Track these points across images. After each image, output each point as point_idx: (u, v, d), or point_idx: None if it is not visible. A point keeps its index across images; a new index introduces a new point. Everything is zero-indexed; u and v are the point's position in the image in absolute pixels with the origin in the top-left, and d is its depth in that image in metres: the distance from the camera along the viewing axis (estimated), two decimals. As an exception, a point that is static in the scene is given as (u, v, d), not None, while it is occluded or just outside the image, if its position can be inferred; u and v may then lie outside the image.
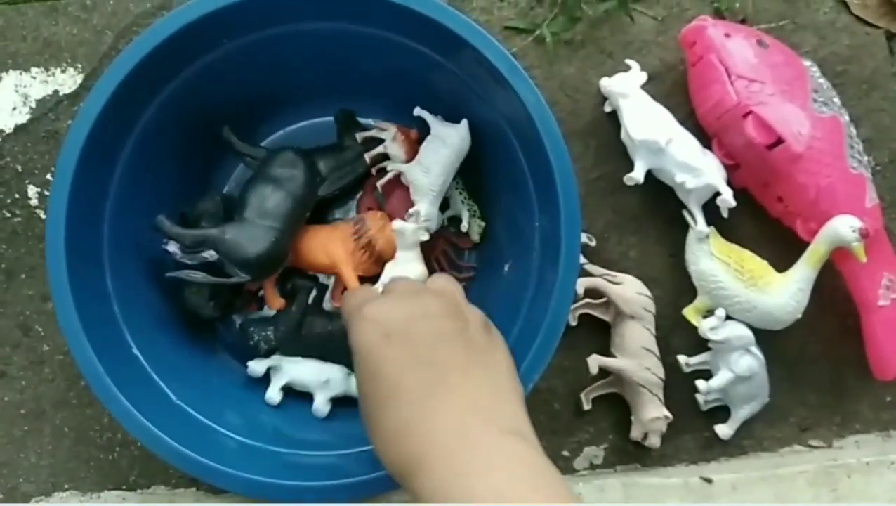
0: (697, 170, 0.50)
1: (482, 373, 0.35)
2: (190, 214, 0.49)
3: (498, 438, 0.33)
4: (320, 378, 0.48)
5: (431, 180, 0.48)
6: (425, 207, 0.48)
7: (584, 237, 0.50)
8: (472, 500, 0.30)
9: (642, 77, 0.51)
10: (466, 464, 0.32)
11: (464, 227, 0.51)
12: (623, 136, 0.51)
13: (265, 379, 0.49)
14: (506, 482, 0.31)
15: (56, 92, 0.52)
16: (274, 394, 0.48)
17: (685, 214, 0.51)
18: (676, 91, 0.54)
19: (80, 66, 0.53)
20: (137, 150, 0.45)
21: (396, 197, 0.52)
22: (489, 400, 0.35)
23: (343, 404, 0.49)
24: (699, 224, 0.50)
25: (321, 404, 0.48)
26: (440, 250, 0.52)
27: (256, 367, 0.48)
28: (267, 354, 0.48)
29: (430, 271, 0.50)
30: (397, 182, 0.51)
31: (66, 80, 0.52)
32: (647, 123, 0.50)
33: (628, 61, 0.51)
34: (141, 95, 0.44)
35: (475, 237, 0.51)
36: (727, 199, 0.49)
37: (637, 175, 0.49)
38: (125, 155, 0.45)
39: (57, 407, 0.52)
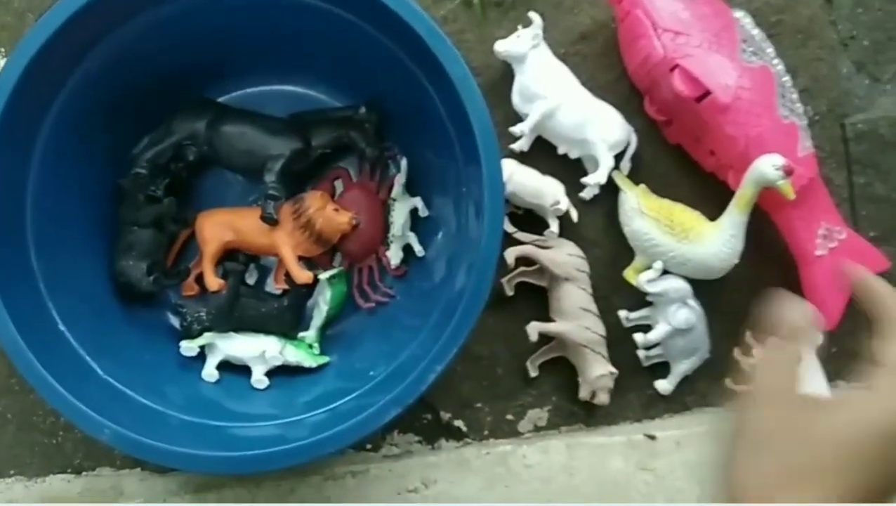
0: (581, 141, 0.50)
1: None
2: (126, 186, 0.49)
3: None
4: (255, 352, 0.48)
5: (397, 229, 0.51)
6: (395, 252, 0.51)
7: (564, 203, 0.50)
8: None
9: (535, 32, 0.50)
10: None
11: (393, 257, 0.51)
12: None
13: (202, 354, 0.49)
14: None
15: (-20, 76, 0.52)
16: (211, 371, 0.48)
17: (613, 174, 0.51)
18: (609, 49, 0.53)
19: (2, 49, 0.52)
20: (58, 126, 0.45)
21: (352, 195, 0.52)
22: None
23: (280, 373, 0.49)
24: (599, 174, 0.50)
25: (259, 375, 0.48)
26: (368, 264, 0.52)
27: (189, 347, 0.48)
28: (199, 331, 0.48)
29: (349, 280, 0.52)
30: (355, 183, 0.52)
31: (-11, 64, 0.52)
32: (539, 87, 0.50)
33: (530, 14, 0.51)
34: (56, 71, 0.44)
35: (395, 262, 0.52)
36: (560, 208, 0.50)
37: (524, 127, 0.50)
38: (45, 131, 0.45)
39: (-1, 394, 0.52)
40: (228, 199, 0.52)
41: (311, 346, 0.50)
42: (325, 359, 0.50)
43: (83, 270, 0.48)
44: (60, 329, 0.44)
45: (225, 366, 0.49)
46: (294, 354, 0.49)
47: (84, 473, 0.52)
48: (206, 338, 0.48)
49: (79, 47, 0.44)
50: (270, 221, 0.48)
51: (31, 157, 0.45)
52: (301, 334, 0.51)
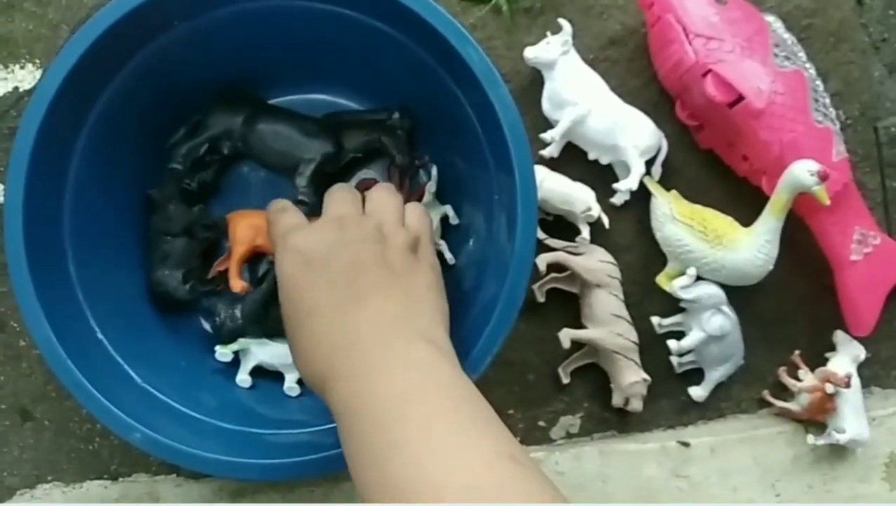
0: (612, 147, 0.50)
1: (398, 292, 0.37)
2: (156, 196, 0.49)
3: (408, 343, 0.35)
4: (289, 359, 0.48)
5: None
6: None
7: (595, 209, 0.50)
8: (377, 402, 0.32)
9: (564, 39, 0.50)
10: (375, 368, 0.34)
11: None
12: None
13: (236, 361, 0.49)
14: (412, 385, 0.33)
15: (16, 89, 0.53)
16: (244, 376, 0.48)
17: (645, 179, 0.51)
18: (639, 55, 0.53)
19: (38, 61, 0.53)
20: (94, 137, 0.45)
21: None
22: (403, 314, 0.36)
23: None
24: (630, 180, 0.50)
25: (292, 383, 0.49)
26: None
27: (223, 352, 0.48)
28: (231, 335, 0.48)
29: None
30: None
31: (26, 77, 0.52)
32: (569, 93, 0.50)
33: (560, 20, 0.51)
34: (92, 83, 0.44)
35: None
36: (592, 215, 0.50)
37: (554, 133, 0.50)
38: (81, 143, 0.45)
39: (36, 401, 0.52)
40: (255, 200, 0.52)
41: None
42: None
43: (119, 278, 0.48)
44: (98, 337, 0.45)
45: (259, 373, 0.49)
46: None
47: (120, 478, 0.52)
48: (241, 344, 0.49)
49: (112, 60, 0.45)
50: None
51: (68, 167, 0.45)
52: None
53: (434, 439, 0.31)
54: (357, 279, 0.37)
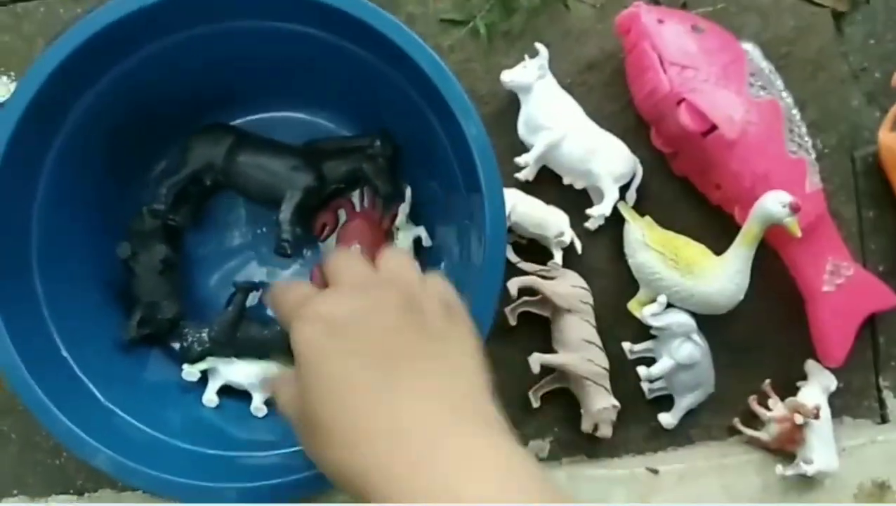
0: (586, 172, 0.50)
1: (444, 362, 0.32)
2: (136, 231, 0.49)
3: (472, 432, 0.30)
4: (256, 378, 0.48)
5: None
6: None
7: (568, 234, 0.50)
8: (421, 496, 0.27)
9: (541, 63, 0.50)
10: (420, 460, 0.29)
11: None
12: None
13: (204, 381, 0.49)
14: (492, 487, 0.28)
15: (-9, 100, 0.52)
16: (211, 396, 0.48)
17: (619, 205, 0.51)
18: (615, 80, 0.53)
19: (12, 74, 0.52)
20: (64, 154, 0.45)
21: (354, 225, 0.51)
22: (448, 387, 0.32)
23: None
24: (604, 206, 0.50)
25: (259, 403, 0.48)
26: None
27: (190, 371, 0.48)
28: (200, 356, 0.48)
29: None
30: (359, 213, 0.52)
31: (0, 90, 0.52)
32: (544, 117, 0.50)
33: (537, 44, 0.51)
34: (62, 100, 0.44)
35: None
36: (564, 240, 0.51)
37: (528, 157, 0.50)
38: (52, 155, 0.45)
39: (2, 414, 0.52)
40: (237, 226, 0.52)
41: None
42: None
43: (87, 296, 0.48)
44: (63, 355, 0.44)
45: (228, 394, 0.49)
46: None
47: (86, 494, 0.52)
48: (209, 362, 0.48)
49: (88, 74, 0.44)
50: (284, 255, 0.49)
51: (37, 181, 0.45)
52: None
53: None
54: (392, 348, 0.32)
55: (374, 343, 0.32)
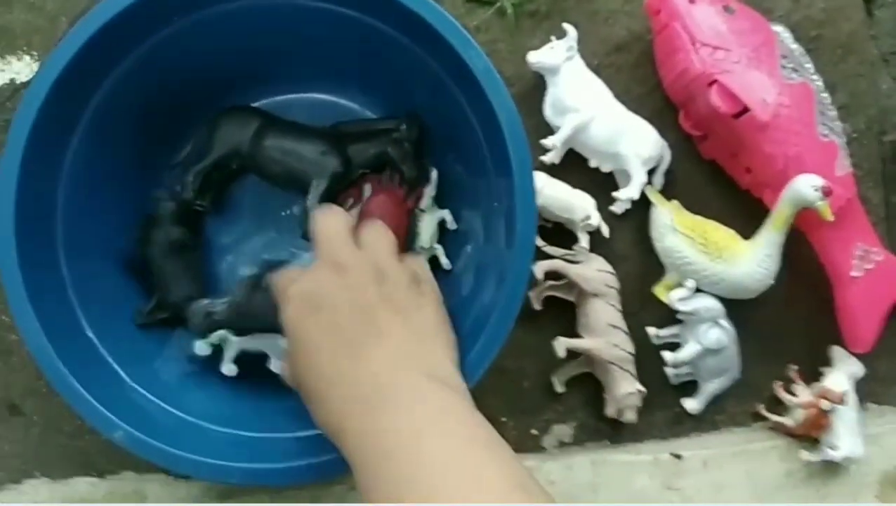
0: (614, 155, 0.50)
1: (403, 329, 0.37)
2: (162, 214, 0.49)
3: (418, 383, 0.35)
4: (270, 340, 0.47)
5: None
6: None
7: (594, 218, 0.50)
8: (389, 440, 0.33)
9: (569, 44, 0.50)
10: (388, 409, 0.34)
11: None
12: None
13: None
14: (425, 423, 0.33)
15: (13, 80, 0.52)
16: (230, 366, 0.48)
17: (646, 189, 0.50)
18: (644, 61, 0.52)
19: (35, 53, 0.52)
20: (89, 134, 0.45)
21: (378, 199, 0.50)
22: (412, 355, 0.36)
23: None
24: (631, 189, 0.50)
25: (276, 366, 0.48)
26: None
27: (202, 346, 0.48)
28: (209, 329, 0.47)
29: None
30: (383, 189, 0.51)
31: (23, 69, 0.52)
32: (572, 99, 0.50)
33: (565, 25, 0.50)
34: (88, 79, 0.43)
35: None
36: (591, 224, 0.50)
37: (555, 140, 0.50)
38: (76, 140, 0.44)
39: (25, 396, 0.52)
40: (260, 208, 0.52)
41: None
42: None
43: (111, 278, 0.47)
44: (88, 336, 0.44)
45: (247, 376, 0.48)
46: None
47: (108, 476, 0.52)
48: (219, 336, 0.48)
49: (110, 55, 0.44)
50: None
51: (62, 162, 0.45)
52: None
53: (448, 474, 0.31)
54: (363, 321, 0.37)
55: (344, 318, 0.37)
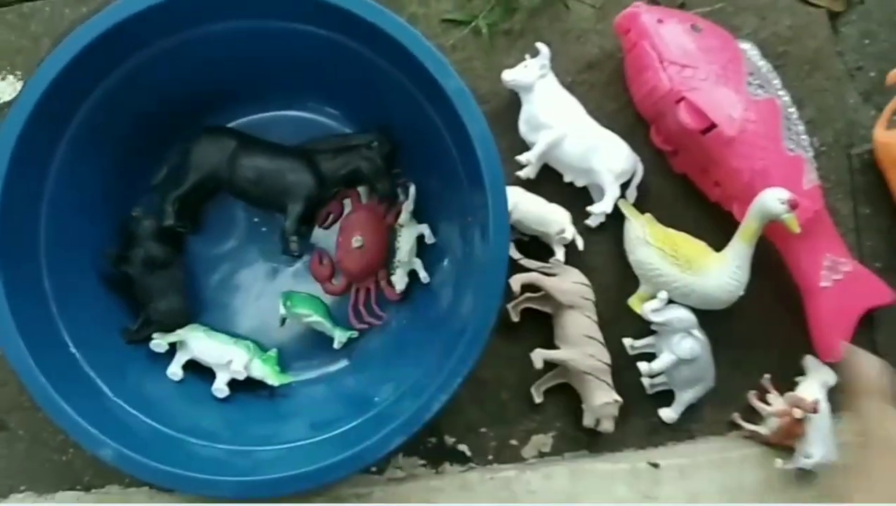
0: (587, 170, 0.51)
1: None
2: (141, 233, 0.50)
3: None
4: (223, 359, 0.49)
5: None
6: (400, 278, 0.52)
7: (569, 231, 0.51)
8: None
9: (542, 62, 0.51)
10: None
11: (398, 283, 0.52)
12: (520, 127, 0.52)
13: (209, 378, 0.49)
14: None
15: (-3, 100, 0.53)
16: (176, 369, 0.49)
17: (619, 202, 0.52)
18: (615, 79, 0.54)
19: (18, 73, 0.53)
20: (71, 152, 0.46)
21: (358, 216, 0.52)
22: None
23: (286, 395, 0.50)
24: (604, 203, 0.51)
25: (221, 385, 0.49)
26: (367, 286, 0.52)
27: (158, 343, 0.49)
28: (157, 324, 0.49)
29: (343, 303, 0.52)
30: (363, 205, 0.52)
31: (6, 88, 0.53)
32: (546, 116, 0.51)
33: (538, 44, 0.51)
34: (70, 98, 0.45)
35: (399, 287, 0.52)
36: (566, 237, 0.51)
37: (530, 156, 0.51)
38: (58, 158, 0.46)
39: (10, 410, 0.52)
40: (238, 226, 0.53)
41: (277, 363, 0.51)
42: (287, 379, 0.50)
43: (93, 292, 0.48)
44: (71, 351, 0.45)
45: (237, 388, 0.49)
46: (259, 370, 0.50)
47: (93, 490, 0.52)
48: (178, 335, 0.49)
49: (94, 74, 0.45)
50: (292, 256, 0.50)
51: (45, 178, 0.46)
52: (271, 352, 0.51)
53: None
54: None
55: None
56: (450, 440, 0.53)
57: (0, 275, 0.42)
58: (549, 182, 0.53)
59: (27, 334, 0.42)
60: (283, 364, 0.51)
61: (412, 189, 0.51)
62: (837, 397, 0.54)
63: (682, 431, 0.54)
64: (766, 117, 0.49)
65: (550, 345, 0.52)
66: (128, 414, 0.45)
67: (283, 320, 0.50)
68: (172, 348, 0.49)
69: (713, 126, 0.48)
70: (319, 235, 0.53)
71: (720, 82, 0.49)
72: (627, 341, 0.52)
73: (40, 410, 0.51)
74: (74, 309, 0.46)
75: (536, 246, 0.53)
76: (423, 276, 0.51)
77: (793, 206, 0.47)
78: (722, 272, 0.49)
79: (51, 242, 0.46)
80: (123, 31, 0.43)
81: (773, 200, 0.47)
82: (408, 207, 0.51)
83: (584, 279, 0.51)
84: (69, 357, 0.45)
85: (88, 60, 0.43)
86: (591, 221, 0.53)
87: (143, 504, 0.52)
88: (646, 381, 0.52)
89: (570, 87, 0.53)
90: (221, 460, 0.45)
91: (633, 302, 0.52)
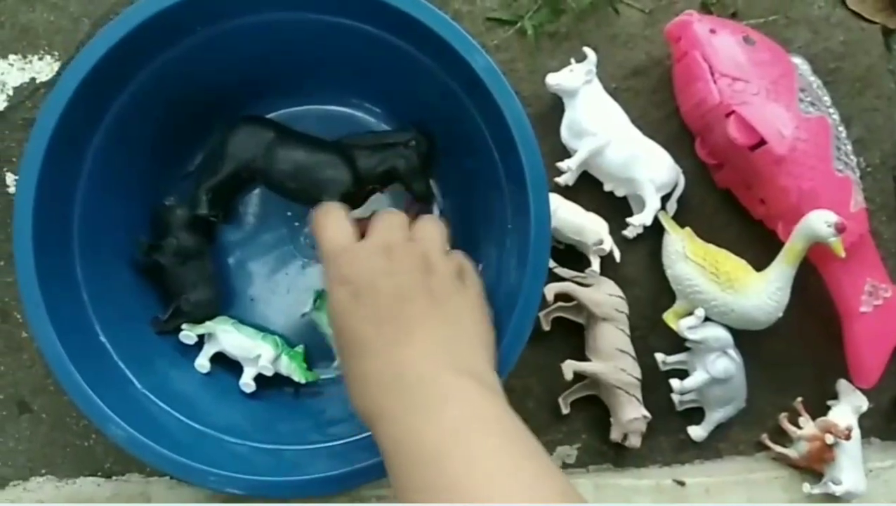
0: (628, 180, 0.50)
1: (442, 323, 0.37)
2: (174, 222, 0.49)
3: (452, 378, 0.35)
4: (251, 353, 0.48)
5: None
6: None
7: (607, 243, 0.50)
8: (423, 441, 0.33)
9: (588, 68, 0.50)
10: (420, 407, 0.34)
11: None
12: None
13: (236, 373, 0.49)
14: (458, 423, 0.33)
15: (33, 80, 0.52)
16: (203, 361, 0.48)
17: (659, 215, 0.51)
18: (662, 87, 0.53)
19: (56, 53, 0.52)
20: (109, 137, 0.45)
21: None
22: (447, 347, 0.37)
23: (309, 393, 0.49)
24: (644, 215, 0.50)
25: (248, 379, 0.48)
26: None
27: (187, 334, 0.48)
28: (187, 315, 0.48)
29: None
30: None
31: (44, 68, 0.52)
32: (589, 123, 0.50)
33: (585, 49, 0.50)
34: (112, 83, 0.44)
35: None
36: (603, 248, 0.50)
37: (570, 163, 0.50)
38: (96, 142, 0.45)
39: (35, 393, 0.52)
40: (272, 219, 0.52)
41: (304, 360, 0.50)
42: (314, 376, 0.50)
43: (126, 281, 0.48)
44: (101, 340, 0.44)
45: (262, 384, 0.49)
46: (286, 366, 0.49)
47: (114, 477, 0.52)
48: (207, 327, 0.48)
49: (135, 60, 0.44)
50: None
51: (82, 164, 0.45)
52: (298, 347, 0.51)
53: (481, 478, 0.31)
54: (403, 311, 0.37)
55: (387, 308, 0.37)
56: (473, 446, 0.53)
57: (32, 254, 0.41)
58: (589, 190, 0.52)
59: (57, 317, 0.42)
60: (310, 361, 0.51)
61: (435, 189, 0.50)
62: (867, 422, 0.53)
63: (710, 449, 0.53)
64: (816, 136, 0.48)
65: (580, 356, 0.51)
66: (158, 408, 0.44)
67: (304, 315, 0.50)
68: (200, 340, 0.49)
69: (762, 142, 0.47)
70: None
71: (771, 98, 0.47)
72: (660, 357, 0.52)
73: (65, 394, 0.52)
74: (105, 297, 0.45)
75: (572, 255, 0.52)
76: None
77: (840, 229, 0.46)
78: (763, 293, 0.48)
79: (84, 227, 0.45)
80: (167, 19, 0.42)
81: (819, 222, 0.46)
82: (435, 208, 0.50)
83: (619, 291, 0.51)
84: (99, 346, 0.44)
85: (131, 46, 0.42)
86: (629, 233, 0.52)
87: (163, 492, 0.52)
88: (675, 397, 0.52)
89: (614, 93, 0.52)
90: (246, 457, 0.45)
91: (669, 317, 0.51)
